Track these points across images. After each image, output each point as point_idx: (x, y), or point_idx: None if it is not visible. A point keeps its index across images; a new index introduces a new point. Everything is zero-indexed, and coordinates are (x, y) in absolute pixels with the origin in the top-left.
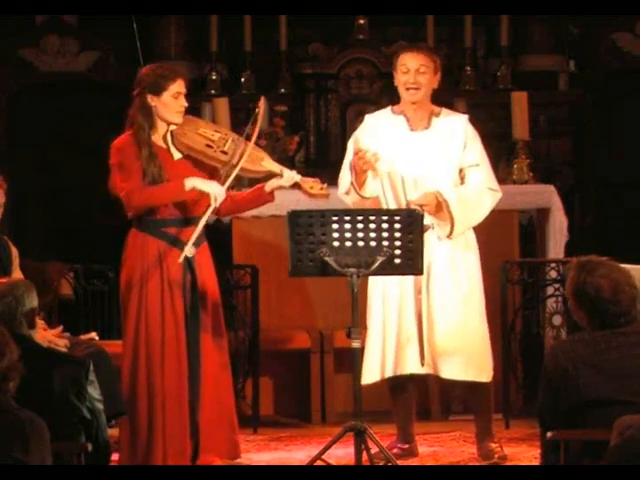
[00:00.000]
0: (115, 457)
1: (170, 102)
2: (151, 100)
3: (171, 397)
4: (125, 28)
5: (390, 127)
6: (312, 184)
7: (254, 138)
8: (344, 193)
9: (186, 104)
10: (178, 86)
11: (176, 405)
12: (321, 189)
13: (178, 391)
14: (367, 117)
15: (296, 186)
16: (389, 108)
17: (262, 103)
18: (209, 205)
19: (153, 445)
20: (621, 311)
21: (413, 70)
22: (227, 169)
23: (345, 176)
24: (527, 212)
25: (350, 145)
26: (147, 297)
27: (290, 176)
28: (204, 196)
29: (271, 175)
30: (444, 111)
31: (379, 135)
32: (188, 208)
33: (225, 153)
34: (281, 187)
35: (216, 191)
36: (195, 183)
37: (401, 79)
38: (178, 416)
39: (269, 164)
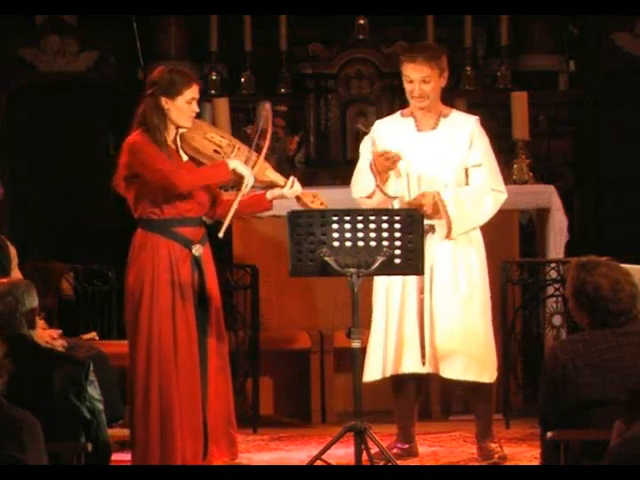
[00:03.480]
0: (117, 457)
1: (183, 107)
2: (165, 103)
3: (186, 398)
4: (125, 28)
5: (398, 130)
6: (312, 198)
7: (265, 151)
8: (365, 197)
9: (197, 110)
10: (193, 92)
11: (191, 408)
12: (321, 204)
13: (192, 391)
14: (377, 123)
15: (296, 198)
16: (398, 112)
17: (268, 107)
18: (240, 189)
19: (172, 448)
20: (621, 309)
21: (417, 81)
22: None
23: (364, 179)
24: (527, 212)
25: (364, 149)
26: (159, 298)
27: (295, 188)
28: (218, 197)
29: (272, 185)
30: (454, 112)
31: (387, 139)
32: (196, 208)
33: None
34: (283, 197)
35: (250, 177)
36: (236, 165)
37: (407, 88)
38: (193, 416)
39: (273, 175)
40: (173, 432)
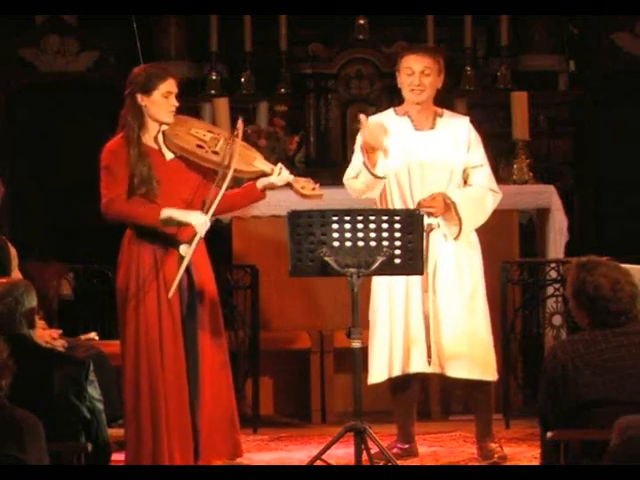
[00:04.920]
0: (117, 457)
1: (160, 101)
2: (141, 99)
3: (172, 397)
4: (125, 28)
5: (395, 127)
6: (304, 184)
7: (240, 135)
8: (352, 177)
9: (177, 104)
10: (168, 85)
11: (177, 405)
12: (313, 189)
13: (178, 391)
14: (371, 118)
15: (288, 186)
16: (391, 110)
17: (240, 125)
18: (195, 234)
19: (159, 445)
20: (621, 309)
21: (418, 72)
22: (221, 170)
23: (355, 159)
24: (527, 212)
25: (359, 143)
26: (145, 299)
27: (283, 175)
28: (202, 195)
29: (264, 175)
30: (446, 112)
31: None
32: (186, 204)
33: (217, 154)
34: (273, 185)
35: (199, 221)
36: (172, 214)
37: (405, 81)
38: (180, 416)
39: (261, 164)
40: (160, 430)
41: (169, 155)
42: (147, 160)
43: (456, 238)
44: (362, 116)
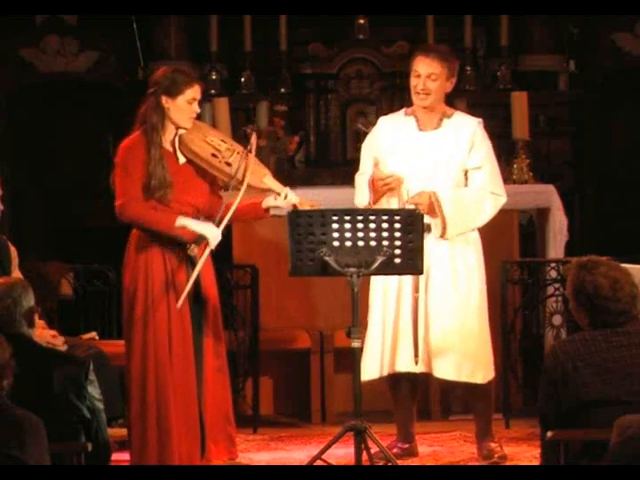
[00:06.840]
0: (117, 457)
1: (184, 107)
2: (165, 102)
3: (181, 398)
4: (125, 28)
5: (400, 128)
6: (309, 207)
7: (253, 150)
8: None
9: (198, 110)
10: (194, 92)
11: (186, 406)
12: None
13: (187, 392)
14: (380, 119)
15: (293, 207)
16: (402, 110)
17: (253, 139)
18: (206, 246)
19: (169, 445)
20: (621, 309)
21: (424, 76)
22: (232, 182)
23: (364, 193)
24: (527, 212)
25: (366, 150)
26: (153, 298)
27: (289, 198)
28: (216, 199)
29: (270, 192)
30: (457, 113)
31: (390, 136)
32: (190, 209)
33: (229, 165)
34: (277, 207)
35: (213, 235)
36: (187, 223)
37: (412, 83)
38: (189, 416)
39: (271, 182)
40: (170, 432)
41: (182, 159)
42: (165, 163)
43: (442, 237)
44: (377, 162)
